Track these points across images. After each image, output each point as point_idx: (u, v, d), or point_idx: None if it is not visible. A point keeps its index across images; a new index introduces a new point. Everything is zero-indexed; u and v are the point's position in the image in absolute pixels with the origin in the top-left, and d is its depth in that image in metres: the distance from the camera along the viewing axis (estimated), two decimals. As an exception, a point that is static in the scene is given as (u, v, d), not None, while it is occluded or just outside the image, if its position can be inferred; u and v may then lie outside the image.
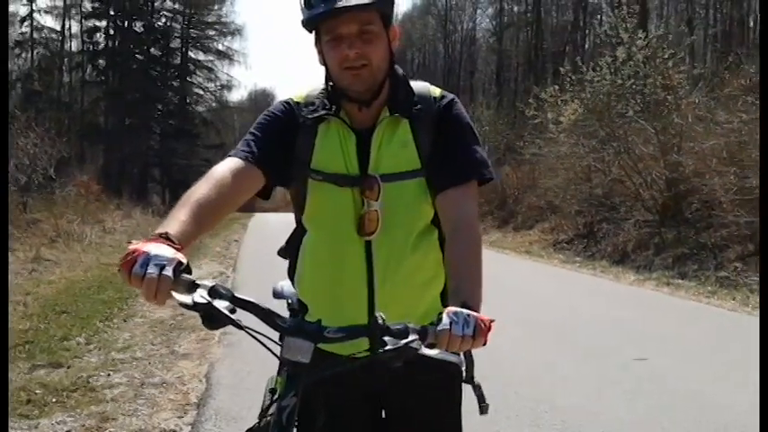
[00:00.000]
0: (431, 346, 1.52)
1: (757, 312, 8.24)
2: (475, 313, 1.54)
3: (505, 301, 8.40)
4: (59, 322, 7.49)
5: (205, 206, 1.73)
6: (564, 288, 10.98)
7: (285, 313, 2.04)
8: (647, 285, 10.95)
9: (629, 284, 11.24)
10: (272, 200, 2.40)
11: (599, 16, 38.86)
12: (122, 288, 9.36)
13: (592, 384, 5.32)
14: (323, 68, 1.98)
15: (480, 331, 1.51)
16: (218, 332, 6.16)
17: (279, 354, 1.60)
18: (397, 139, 1.96)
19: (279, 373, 2.43)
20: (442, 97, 2.04)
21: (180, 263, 1.49)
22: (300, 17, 1.90)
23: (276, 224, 10.67)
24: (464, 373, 1.85)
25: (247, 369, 5.53)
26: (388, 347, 1.49)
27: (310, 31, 1.94)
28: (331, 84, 1.97)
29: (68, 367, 5.74)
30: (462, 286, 1.71)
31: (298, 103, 2.04)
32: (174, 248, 1.53)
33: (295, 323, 1.59)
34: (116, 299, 8.89)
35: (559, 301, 9.33)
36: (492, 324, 1.56)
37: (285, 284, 2.39)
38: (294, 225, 2.18)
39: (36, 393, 4.97)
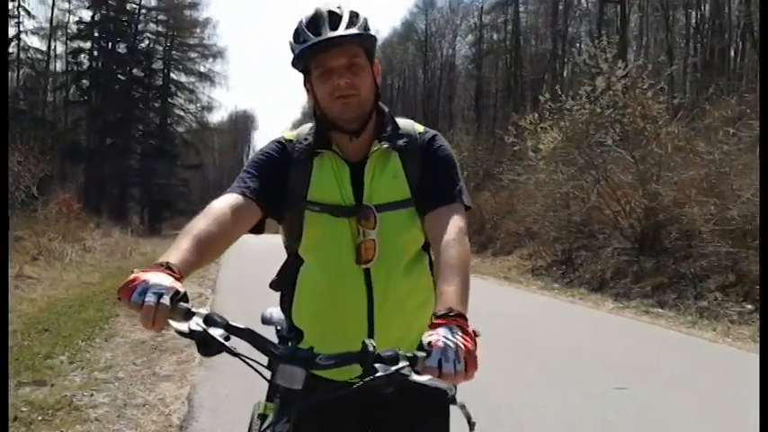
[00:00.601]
0: (420, 373, 1.55)
1: (739, 343, 8.37)
2: (461, 342, 1.56)
3: (485, 328, 8.42)
4: (42, 340, 7.52)
5: (205, 239, 1.80)
6: (543, 315, 10.99)
7: (274, 339, 2.12)
8: (626, 314, 10.97)
9: (608, 312, 11.26)
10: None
11: (578, 45, 39.43)
12: (103, 307, 9.36)
13: (573, 413, 5.34)
14: (314, 104, 2.10)
15: (471, 364, 1.54)
16: (197, 355, 6.18)
17: (271, 380, 1.65)
18: (389, 170, 2.07)
19: (268, 398, 2.47)
20: (426, 132, 2.17)
21: (177, 291, 1.55)
22: (291, 57, 2.03)
23: (254, 244, 10.54)
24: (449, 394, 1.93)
25: (226, 392, 5.57)
26: (378, 374, 1.52)
27: (300, 70, 2.06)
28: (320, 120, 2.09)
29: (52, 385, 5.77)
30: (450, 291, 1.74)
31: (290, 140, 2.15)
32: (174, 277, 1.60)
33: (288, 350, 1.63)
34: (97, 318, 8.90)
35: (539, 329, 9.35)
36: (477, 340, 1.60)
37: (274, 311, 2.43)
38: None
39: (22, 411, 5.00)
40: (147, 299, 1.51)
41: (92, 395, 5.54)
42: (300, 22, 2.02)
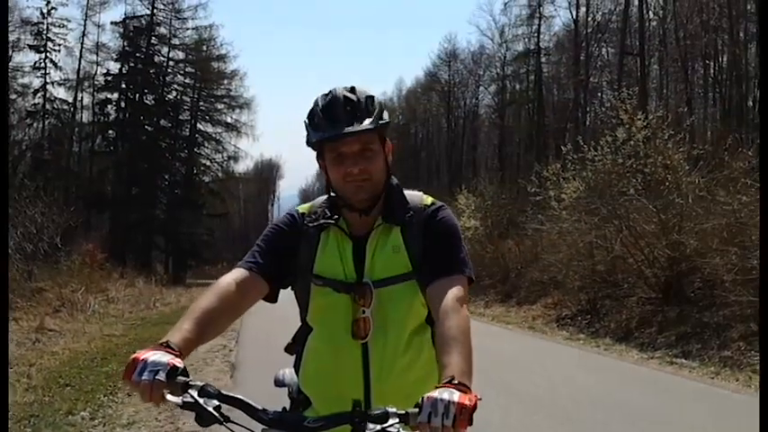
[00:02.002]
0: (413, 428, 1.60)
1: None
2: (456, 398, 1.58)
3: (508, 379, 8.40)
4: (64, 395, 7.51)
5: (207, 315, 1.92)
6: (568, 366, 10.88)
7: (287, 400, 2.24)
8: (651, 364, 10.87)
9: (633, 363, 11.13)
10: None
11: (599, 94, 39.60)
12: (125, 361, 9.35)
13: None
14: (326, 181, 2.18)
15: (460, 420, 1.55)
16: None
17: None
18: (389, 245, 2.13)
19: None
20: (432, 204, 2.22)
21: (175, 367, 1.68)
22: (305, 135, 2.12)
23: (283, 294, 10.36)
24: None
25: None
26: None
27: (314, 149, 2.15)
28: (333, 194, 2.17)
29: (73, 443, 5.73)
30: (451, 362, 1.77)
31: (303, 213, 2.24)
32: (173, 354, 1.72)
33: (276, 415, 1.72)
34: (119, 372, 8.72)
35: (564, 381, 9.25)
36: (477, 402, 1.61)
37: (287, 372, 2.48)
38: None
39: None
40: (143, 378, 1.65)
41: (113, 452, 5.54)
42: (316, 104, 2.10)
